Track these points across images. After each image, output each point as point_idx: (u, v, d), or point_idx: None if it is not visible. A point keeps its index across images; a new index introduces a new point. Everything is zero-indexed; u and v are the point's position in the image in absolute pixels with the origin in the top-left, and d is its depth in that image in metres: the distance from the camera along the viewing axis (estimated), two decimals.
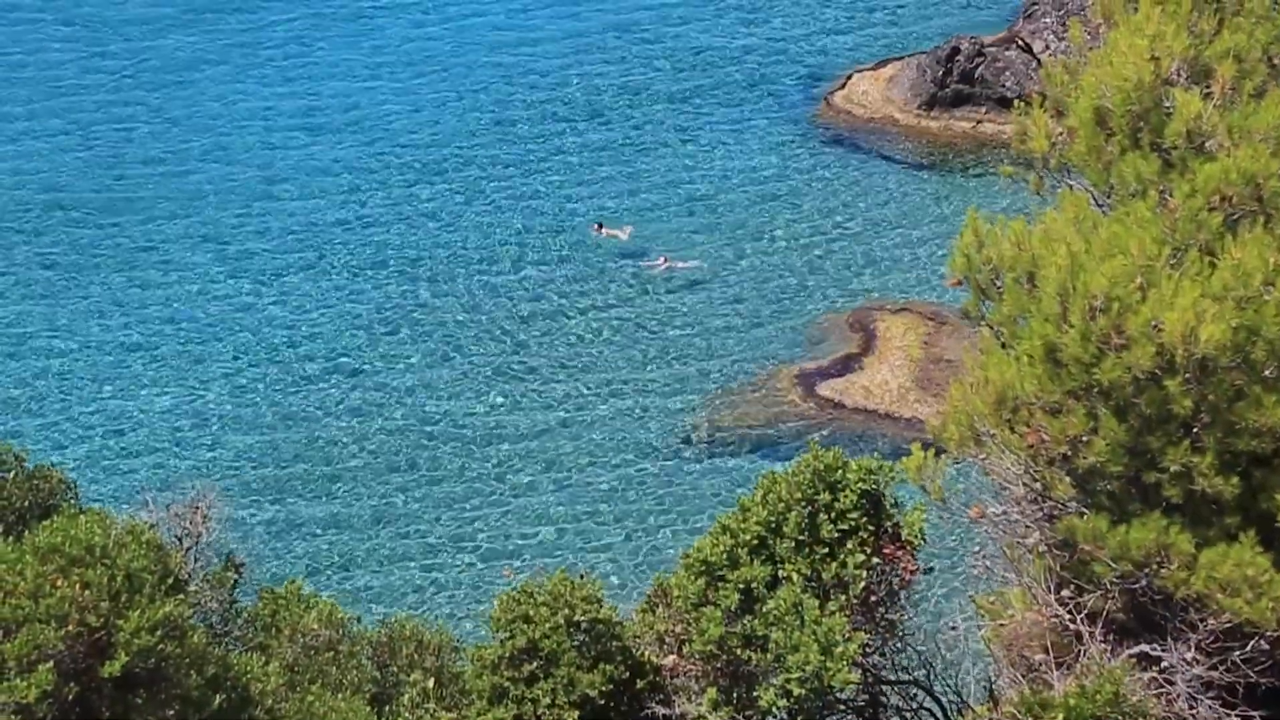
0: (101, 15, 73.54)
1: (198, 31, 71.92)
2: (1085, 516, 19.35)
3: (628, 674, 22.99)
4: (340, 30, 72.16)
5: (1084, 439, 18.82)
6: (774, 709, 21.33)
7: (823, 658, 20.68)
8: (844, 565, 21.56)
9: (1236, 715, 19.32)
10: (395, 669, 24.02)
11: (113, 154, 62.82)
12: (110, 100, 66.78)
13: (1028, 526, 20.58)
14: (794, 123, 64.60)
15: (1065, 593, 19.88)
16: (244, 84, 67.67)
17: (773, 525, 21.81)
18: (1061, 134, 20.71)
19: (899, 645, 22.84)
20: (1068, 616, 19.84)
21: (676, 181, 61.05)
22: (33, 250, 57.16)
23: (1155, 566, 18.89)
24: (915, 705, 23.27)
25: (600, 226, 57.55)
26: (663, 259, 55.82)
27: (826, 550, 21.69)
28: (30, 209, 59.48)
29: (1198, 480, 18.44)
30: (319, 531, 44.64)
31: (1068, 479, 19.50)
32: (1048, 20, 65.33)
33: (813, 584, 21.57)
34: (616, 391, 50.15)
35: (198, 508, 23.02)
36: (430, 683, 23.45)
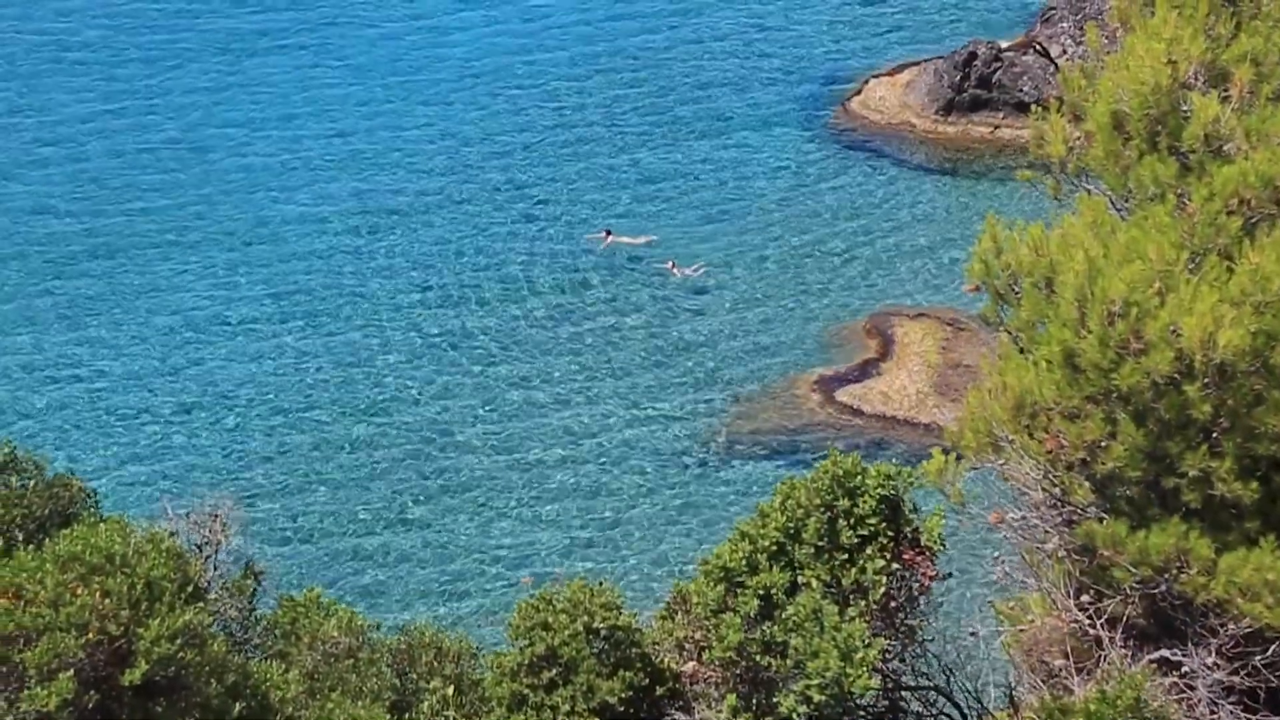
0: (117, 39, 73.74)
1: (218, 60, 72.07)
2: (1104, 521, 19.32)
3: (647, 681, 22.98)
4: (357, 59, 72.19)
5: (1102, 444, 18.79)
6: (794, 715, 21.29)
7: (842, 664, 20.66)
8: (863, 571, 21.53)
9: None
10: (415, 676, 24.01)
11: (136, 183, 62.91)
12: (134, 126, 66.98)
13: (1047, 532, 20.54)
14: (810, 128, 64.60)
15: (1085, 598, 19.84)
16: (264, 114, 67.64)
17: (792, 531, 21.79)
18: (1079, 138, 20.67)
19: (919, 651, 22.81)
20: (1087, 622, 19.80)
21: (693, 188, 61.08)
22: (58, 277, 57.29)
23: (1175, 571, 18.85)
24: (935, 711, 23.23)
25: (608, 233, 57.47)
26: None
27: (846, 556, 21.66)
28: (54, 237, 59.65)
29: (1217, 485, 18.40)
30: (339, 544, 44.69)
31: (1086, 484, 19.47)
32: (1065, 25, 65.28)
33: (832, 590, 21.54)
34: (635, 400, 50.16)
35: (216, 516, 23.03)
36: (450, 690, 23.44)
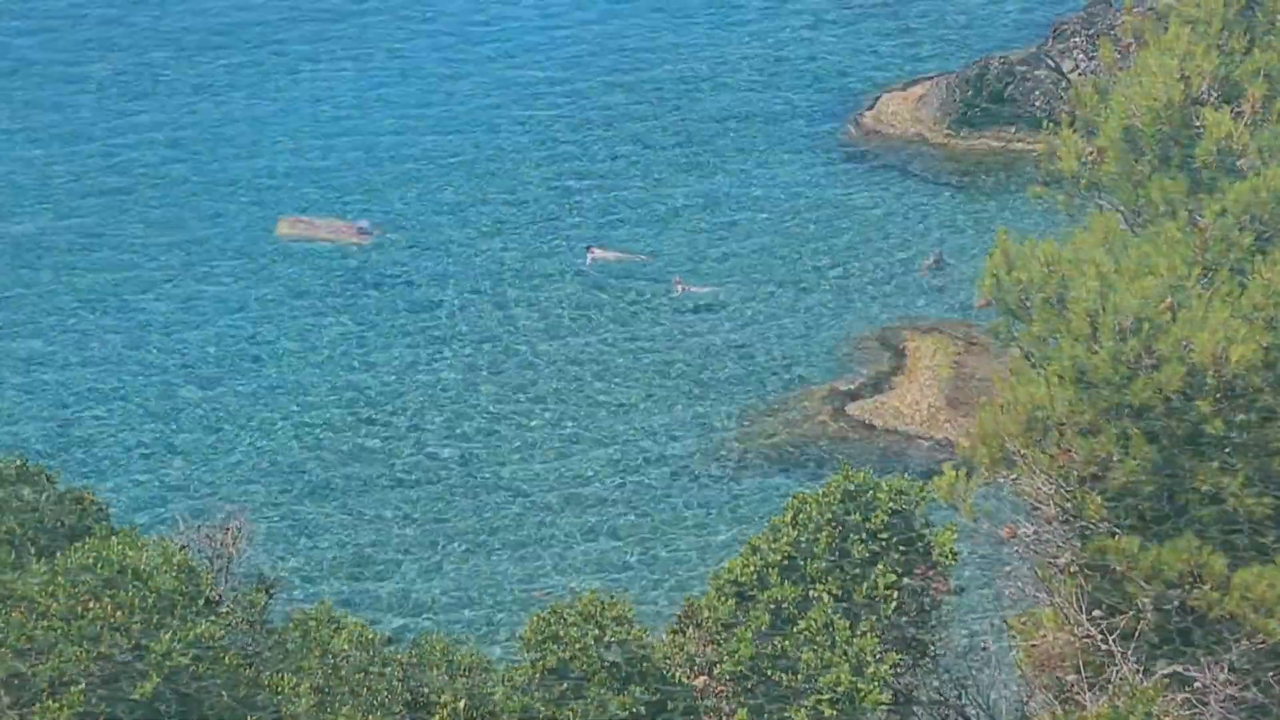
0: (125, 58, 73.83)
1: (236, 80, 72.09)
2: (1117, 536, 19.29)
3: (658, 695, 22.93)
4: (362, 69, 72.15)
5: (1115, 459, 18.78)
6: None
7: (854, 678, 20.64)
8: (875, 585, 21.52)
9: None
10: (426, 690, 23.99)
11: (155, 193, 62.74)
12: (141, 141, 67.03)
13: (1059, 546, 20.53)
14: (823, 142, 64.57)
15: (1097, 613, 19.82)
16: (272, 129, 67.48)
17: (803, 546, 21.77)
18: (1091, 154, 20.69)
19: (930, 665, 22.77)
20: (1100, 637, 19.77)
21: (705, 203, 61.03)
22: (71, 285, 57.35)
23: (1188, 586, 18.82)
24: None
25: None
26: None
27: (857, 570, 21.65)
28: (68, 241, 59.71)
29: (1229, 501, 18.38)
30: (348, 558, 44.70)
31: (1099, 499, 19.45)
32: (1077, 40, 65.22)
33: (843, 604, 21.52)
34: (647, 414, 50.11)
35: (228, 529, 23.05)
36: (461, 703, 23.42)
